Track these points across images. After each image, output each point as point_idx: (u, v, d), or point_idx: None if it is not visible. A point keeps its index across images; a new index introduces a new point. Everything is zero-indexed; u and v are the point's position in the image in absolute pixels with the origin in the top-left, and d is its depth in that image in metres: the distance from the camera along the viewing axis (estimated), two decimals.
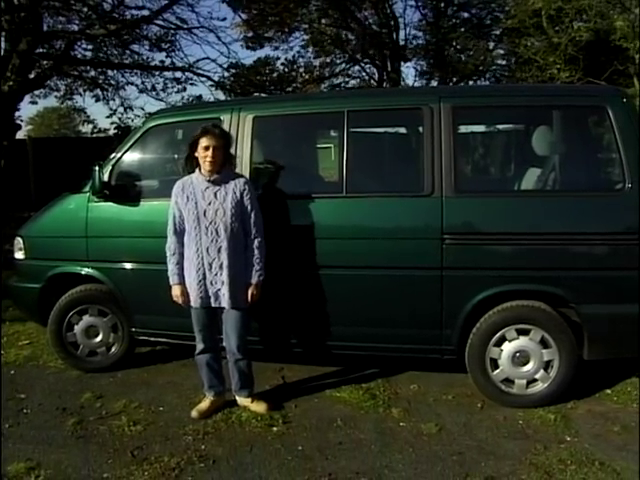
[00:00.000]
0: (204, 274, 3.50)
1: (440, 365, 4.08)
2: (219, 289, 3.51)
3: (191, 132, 3.59)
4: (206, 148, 3.44)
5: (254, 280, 3.54)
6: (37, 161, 13.46)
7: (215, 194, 3.50)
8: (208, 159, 3.45)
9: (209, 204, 3.49)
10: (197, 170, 3.55)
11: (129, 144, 4.23)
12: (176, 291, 3.60)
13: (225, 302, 3.51)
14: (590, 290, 3.57)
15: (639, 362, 3.81)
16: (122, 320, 4.32)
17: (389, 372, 4.25)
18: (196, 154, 3.51)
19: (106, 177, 4.12)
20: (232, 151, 3.71)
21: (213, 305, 3.55)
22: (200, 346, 3.66)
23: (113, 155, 4.24)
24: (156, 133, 4.27)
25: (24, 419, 3.72)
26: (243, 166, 3.89)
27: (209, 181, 3.50)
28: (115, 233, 4.19)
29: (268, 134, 4.26)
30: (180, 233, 3.58)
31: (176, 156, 4.77)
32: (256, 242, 3.54)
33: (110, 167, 4.18)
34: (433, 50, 17.27)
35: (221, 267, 3.48)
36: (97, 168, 4.02)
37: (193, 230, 3.51)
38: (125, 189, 4.15)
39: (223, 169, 3.54)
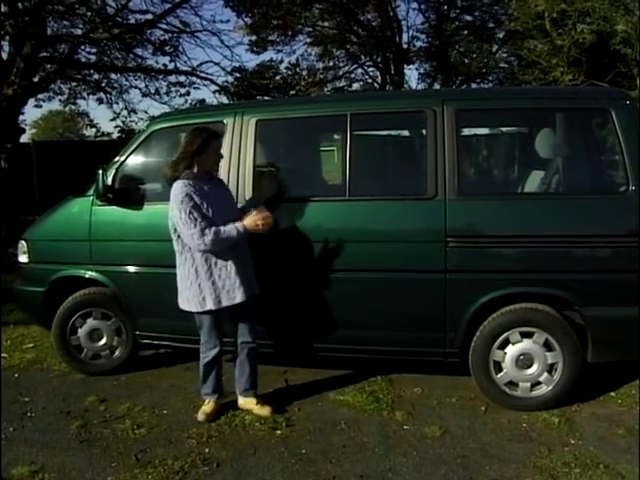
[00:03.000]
0: (211, 273, 3.47)
1: (444, 368, 4.07)
2: (231, 284, 3.47)
3: None
4: (218, 150, 3.54)
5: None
6: (41, 164, 13.50)
7: (217, 193, 3.52)
8: (219, 160, 3.58)
9: (215, 202, 3.49)
10: (189, 171, 3.44)
11: (132, 147, 4.24)
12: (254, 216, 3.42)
13: (239, 295, 3.48)
14: (594, 292, 3.56)
15: (639, 365, 3.81)
16: (126, 323, 4.32)
17: (392, 375, 4.25)
18: (209, 157, 3.47)
19: (110, 180, 4.14)
20: (228, 154, 3.88)
21: (224, 304, 3.49)
22: (217, 349, 3.60)
23: (117, 158, 4.25)
24: (159, 136, 4.28)
25: (28, 422, 3.72)
26: (246, 169, 3.89)
27: (211, 180, 3.53)
28: (119, 236, 4.19)
29: (271, 137, 4.27)
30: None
31: None
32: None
33: (114, 170, 4.18)
34: (436, 53, 17.30)
35: (231, 262, 3.47)
36: (101, 171, 4.03)
37: None
38: (129, 192, 4.15)
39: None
